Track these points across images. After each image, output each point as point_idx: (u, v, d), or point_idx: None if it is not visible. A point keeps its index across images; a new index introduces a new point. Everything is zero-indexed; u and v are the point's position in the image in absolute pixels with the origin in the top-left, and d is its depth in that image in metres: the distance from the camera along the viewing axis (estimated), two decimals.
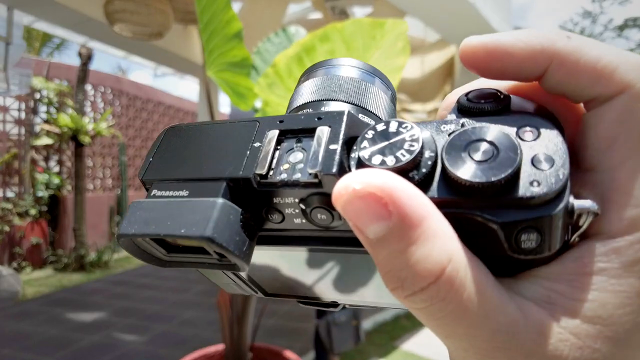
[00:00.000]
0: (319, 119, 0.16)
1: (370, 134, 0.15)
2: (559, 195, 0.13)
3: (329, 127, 0.16)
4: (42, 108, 6.46)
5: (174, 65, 6.34)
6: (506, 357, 0.13)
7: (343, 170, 0.15)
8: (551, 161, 0.13)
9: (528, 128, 0.14)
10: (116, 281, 5.29)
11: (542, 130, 0.14)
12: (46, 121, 6.27)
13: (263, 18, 4.56)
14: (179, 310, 4.13)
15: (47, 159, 6.55)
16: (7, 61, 3.73)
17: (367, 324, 3.66)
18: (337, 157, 0.15)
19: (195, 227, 0.15)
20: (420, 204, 0.13)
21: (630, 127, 0.14)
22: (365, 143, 0.15)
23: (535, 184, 0.13)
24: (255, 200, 0.17)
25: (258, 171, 0.16)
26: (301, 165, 0.16)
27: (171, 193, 0.17)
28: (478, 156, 0.13)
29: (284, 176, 0.16)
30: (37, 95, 6.34)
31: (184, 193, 0.17)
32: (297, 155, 0.16)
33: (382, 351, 3.26)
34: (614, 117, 0.14)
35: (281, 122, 0.17)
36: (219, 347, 1.82)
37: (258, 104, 1.69)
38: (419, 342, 3.43)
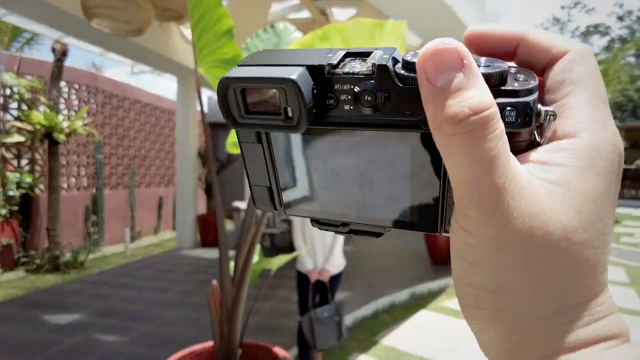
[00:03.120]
0: (375, 49, 0.23)
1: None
2: (529, 92, 0.20)
3: (383, 51, 0.22)
4: (13, 105, 6.25)
5: (152, 62, 6.25)
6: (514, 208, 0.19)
7: (391, 66, 0.21)
8: (526, 77, 0.21)
9: (514, 68, 0.22)
10: (93, 282, 5.17)
11: (521, 70, 0.22)
12: (17, 118, 6.07)
13: (248, 17, 4.56)
14: (159, 310, 4.08)
15: (18, 157, 6.34)
16: None
17: (347, 320, 3.71)
18: (388, 57, 0.21)
19: (283, 75, 0.20)
20: (476, 66, 0.20)
21: (571, 72, 0.22)
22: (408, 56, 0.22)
23: (515, 84, 0.20)
24: (321, 86, 0.22)
25: (331, 62, 0.22)
26: (360, 66, 0.22)
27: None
28: (485, 68, 0.21)
29: (347, 69, 0.21)
30: (7, 92, 6.13)
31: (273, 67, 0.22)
32: (358, 63, 0.22)
33: (363, 346, 3.31)
34: (560, 69, 0.22)
35: (347, 50, 0.23)
36: (208, 344, 1.82)
37: None
38: (398, 337, 3.50)
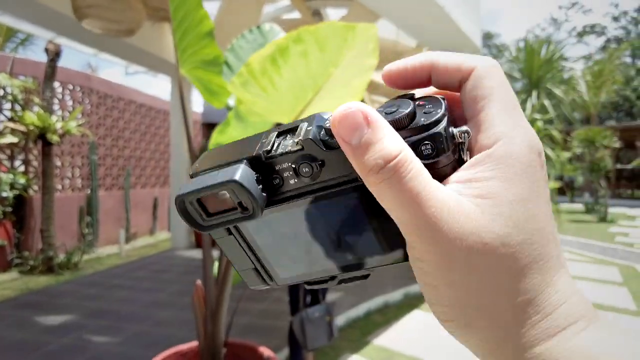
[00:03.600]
0: (300, 122, 0.25)
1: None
2: (438, 122, 0.22)
3: (307, 122, 0.24)
4: (6, 105, 6.24)
5: (146, 63, 6.24)
6: (442, 230, 0.21)
7: (315, 137, 0.23)
8: (432, 106, 0.23)
9: (421, 101, 0.24)
10: (87, 283, 5.16)
11: (429, 100, 0.23)
12: (10, 119, 6.05)
13: (240, 17, 4.56)
14: (153, 310, 4.08)
15: (12, 158, 6.32)
16: None
17: (339, 320, 3.72)
18: (312, 129, 0.23)
19: (227, 178, 0.23)
20: (381, 118, 0.22)
21: (480, 88, 0.23)
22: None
23: (422, 118, 0.22)
24: (264, 171, 0.24)
25: (265, 149, 0.24)
26: (291, 143, 0.24)
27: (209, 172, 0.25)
28: (392, 115, 0.23)
29: (280, 149, 0.24)
30: (1, 92, 6.11)
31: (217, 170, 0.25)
32: (289, 141, 0.24)
33: (354, 346, 3.32)
34: (471, 86, 0.24)
35: (278, 127, 0.26)
36: (193, 344, 1.82)
37: (231, 101, 1.71)
38: (390, 337, 3.51)
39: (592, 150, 12.66)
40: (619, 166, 18.53)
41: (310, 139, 0.23)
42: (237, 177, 0.22)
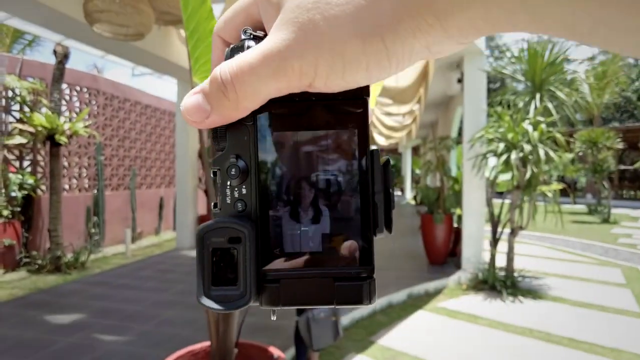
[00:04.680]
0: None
1: None
2: (259, 38, 0.26)
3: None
4: (15, 107, 6.32)
5: (152, 65, 6.30)
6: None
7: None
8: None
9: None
10: (94, 282, 5.23)
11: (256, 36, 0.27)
12: (19, 120, 6.13)
13: None
14: (158, 310, 4.14)
15: (20, 159, 6.41)
16: None
17: (344, 320, 3.76)
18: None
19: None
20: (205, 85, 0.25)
21: (269, 14, 0.25)
22: None
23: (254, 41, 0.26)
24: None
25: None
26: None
27: None
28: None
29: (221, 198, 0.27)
30: (10, 94, 6.19)
31: None
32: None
33: (359, 346, 3.36)
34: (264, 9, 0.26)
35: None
36: (205, 344, 1.88)
37: None
38: (395, 337, 3.55)
39: (595, 151, 12.65)
40: (622, 167, 18.49)
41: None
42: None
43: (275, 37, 0.23)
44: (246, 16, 0.27)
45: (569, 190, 17.19)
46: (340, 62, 0.22)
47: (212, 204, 0.26)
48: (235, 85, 0.24)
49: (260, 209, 0.26)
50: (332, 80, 0.23)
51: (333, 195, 0.25)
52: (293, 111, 0.26)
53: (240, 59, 0.24)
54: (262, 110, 0.25)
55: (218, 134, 0.26)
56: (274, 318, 0.31)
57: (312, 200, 0.26)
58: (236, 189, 0.26)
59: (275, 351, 1.80)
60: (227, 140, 0.26)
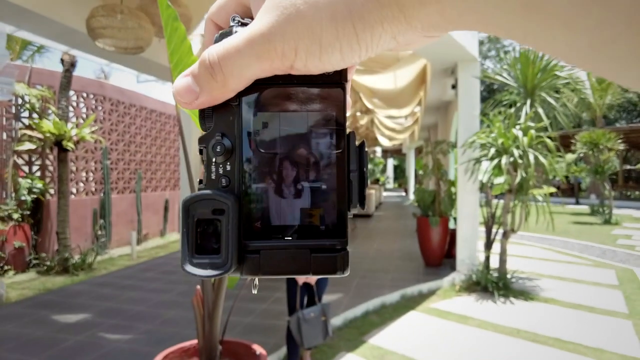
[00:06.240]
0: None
1: None
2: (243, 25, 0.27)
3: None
4: (25, 113, 6.55)
5: (156, 73, 6.49)
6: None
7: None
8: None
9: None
10: (100, 283, 5.42)
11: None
12: (28, 126, 6.36)
13: None
14: (161, 310, 4.31)
15: (29, 164, 6.63)
16: None
17: (337, 320, 3.90)
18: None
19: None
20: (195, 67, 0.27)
21: (256, 1, 0.27)
22: None
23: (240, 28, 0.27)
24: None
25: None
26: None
27: None
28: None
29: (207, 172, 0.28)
30: (19, 101, 6.42)
31: None
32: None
33: (351, 345, 3.49)
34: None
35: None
36: (194, 342, 2.04)
37: None
38: (386, 337, 3.68)
39: (596, 152, 12.63)
40: (627, 167, 18.37)
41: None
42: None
43: (260, 21, 0.24)
44: (237, 3, 0.29)
45: (573, 189, 17.09)
46: (318, 45, 0.24)
47: (198, 180, 0.28)
48: (222, 67, 0.25)
49: (244, 184, 0.27)
50: (310, 62, 0.24)
51: (311, 173, 0.27)
52: (276, 93, 0.27)
53: (227, 42, 0.25)
54: (248, 92, 0.26)
55: (205, 114, 0.27)
56: (255, 292, 0.33)
57: (292, 177, 0.27)
58: (221, 165, 0.27)
59: (258, 348, 1.95)
60: (214, 120, 0.27)
